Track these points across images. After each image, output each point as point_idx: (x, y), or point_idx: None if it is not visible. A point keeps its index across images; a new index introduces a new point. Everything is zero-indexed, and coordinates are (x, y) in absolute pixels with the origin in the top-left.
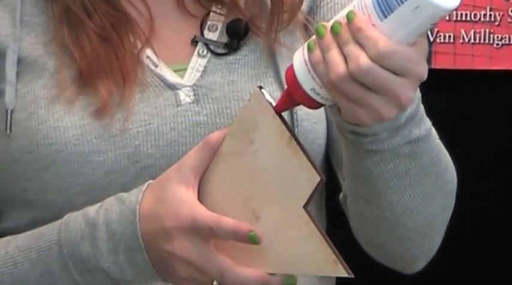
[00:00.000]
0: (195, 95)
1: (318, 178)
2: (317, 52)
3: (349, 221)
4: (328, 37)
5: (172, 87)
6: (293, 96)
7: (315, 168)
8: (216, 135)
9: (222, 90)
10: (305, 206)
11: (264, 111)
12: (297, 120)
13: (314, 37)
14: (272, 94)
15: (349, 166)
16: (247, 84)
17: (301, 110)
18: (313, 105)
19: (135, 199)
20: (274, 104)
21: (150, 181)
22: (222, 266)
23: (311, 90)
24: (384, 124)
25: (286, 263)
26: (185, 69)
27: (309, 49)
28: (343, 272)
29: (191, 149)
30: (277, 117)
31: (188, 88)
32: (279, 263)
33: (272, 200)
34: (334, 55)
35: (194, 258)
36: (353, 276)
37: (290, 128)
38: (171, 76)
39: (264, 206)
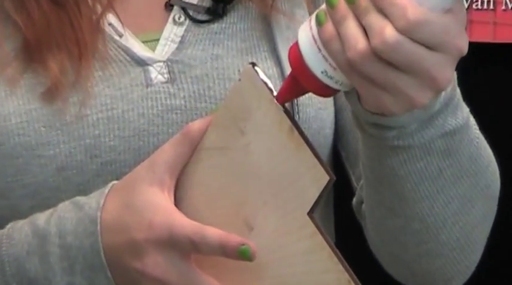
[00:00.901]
0: (169, 73)
1: (327, 178)
2: (329, 26)
3: (364, 232)
4: (342, 6)
5: (141, 63)
6: (299, 82)
7: (323, 165)
8: (197, 124)
9: (204, 67)
10: (310, 213)
11: (258, 94)
12: (297, 104)
13: (323, 6)
14: (267, 72)
15: (368, 167)
16: (236, 60)
17: None
18: (325, 91)
19: (96, 204)
20: (270, 85)
21: (114, 181)
22: None
23: (322, 73)
24: (414, 113)
25: (286, 284)
26: (157, 40)
27: (319, 23)
28: None
29: (165, 141)
30: (274, 101)
31: (161, 64)
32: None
33: (269, 205)
34: (352, 28)
35: (170, 277)
36: None
37: (291, 115)
38: (139, 48)
39: (258, 214)
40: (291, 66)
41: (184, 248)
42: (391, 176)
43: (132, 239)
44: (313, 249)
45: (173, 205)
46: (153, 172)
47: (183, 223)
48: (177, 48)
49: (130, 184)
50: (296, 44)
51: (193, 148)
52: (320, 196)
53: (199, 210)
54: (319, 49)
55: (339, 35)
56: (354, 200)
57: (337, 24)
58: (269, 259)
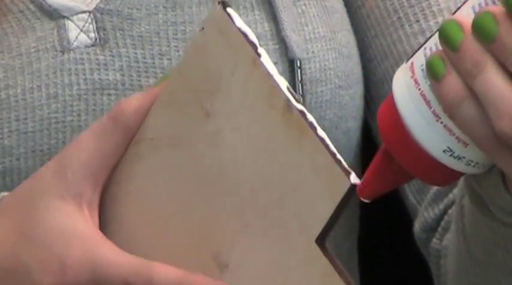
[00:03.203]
0: (98, 30)
1: (347, 183)
2: (453, 80)
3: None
4: (472, 46)
5: (54, 14)
6: (401, 166)
7: (340, 163)
8: (134, 102)
9: (153, 21)
10: (320, 241)
11: (232, 52)
12: (301, 80)
13: (433, 43)
14: (255, 30)
15: (483, 250)
16: (204, 9)
17: (308, 56)
18: (447, 177)
19: None
20: (252, 36)
21: (4, 193)
22: None
23: (445, 152)
24: None
25: None
26: None
27: (434, 75)
28: None
29: None
30: (259, 62)
31: (85, 15)
32: None
33: (252, 229)
34: (497, 81)
35: None
36: None
37: (289, 86)
38: None
39: (235, 243)
40: (386, 140)
41: None
42: None
43: None
44: None
45: (98, 231)
46: (64, 178)
47: (116, 259)
48: None
49: (28, 199)
50: (391, 103)
51: (129, 139)
52: (336, 213)
53: (139, 238)
54: (438, 117)
55: (474, 93)
56: (417, 225)
57: (468, 76)
58: None
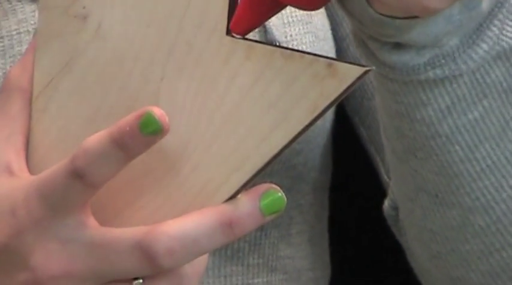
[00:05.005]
0: None
1: None
2: None
3: (407, 257)
4: None
5: None
6: None
7: None
8: (17, 67)
9: None
10: (229, 33)
11: None
12: None
13: None
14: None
15: (392, 130)
16: None
17: (286, 39)
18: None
19: None
20: None
21: None
22: (137, 234)
23: None
24: (452, 17)
25: (251, 147)
26: None
27: None
28: (350, 73)
29: None
30: None
31: None
32: (240, 157)
33: (169, 75)
34: None
35: (75, 265)
36: (371, 67)
37: None
38: None
39: (159, 94)
40: None
41: (72, 197)
42: (430, 139)
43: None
44: (259, 68)
45: (27, 173)
46: None
47: (51, 170)
48: None
49: None
50: None
51: (28, 98)
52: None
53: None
54: None
55: None
56: (386, 203)
57: None
58: (195, 133)
